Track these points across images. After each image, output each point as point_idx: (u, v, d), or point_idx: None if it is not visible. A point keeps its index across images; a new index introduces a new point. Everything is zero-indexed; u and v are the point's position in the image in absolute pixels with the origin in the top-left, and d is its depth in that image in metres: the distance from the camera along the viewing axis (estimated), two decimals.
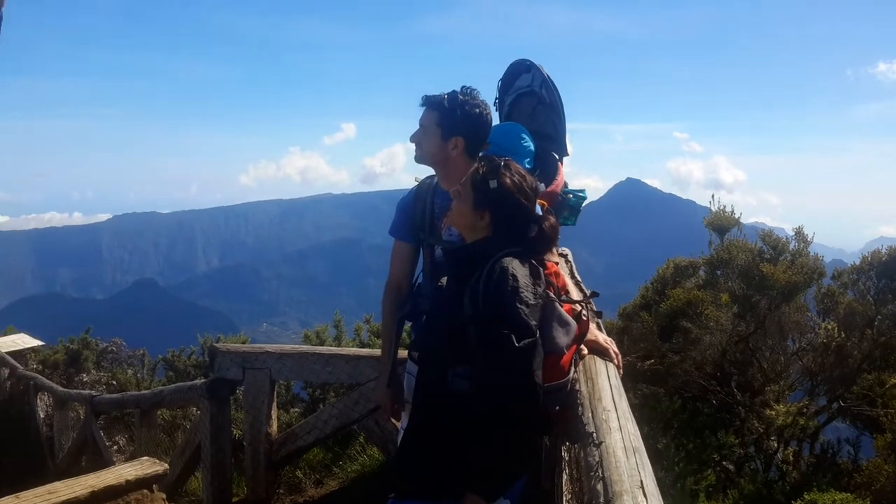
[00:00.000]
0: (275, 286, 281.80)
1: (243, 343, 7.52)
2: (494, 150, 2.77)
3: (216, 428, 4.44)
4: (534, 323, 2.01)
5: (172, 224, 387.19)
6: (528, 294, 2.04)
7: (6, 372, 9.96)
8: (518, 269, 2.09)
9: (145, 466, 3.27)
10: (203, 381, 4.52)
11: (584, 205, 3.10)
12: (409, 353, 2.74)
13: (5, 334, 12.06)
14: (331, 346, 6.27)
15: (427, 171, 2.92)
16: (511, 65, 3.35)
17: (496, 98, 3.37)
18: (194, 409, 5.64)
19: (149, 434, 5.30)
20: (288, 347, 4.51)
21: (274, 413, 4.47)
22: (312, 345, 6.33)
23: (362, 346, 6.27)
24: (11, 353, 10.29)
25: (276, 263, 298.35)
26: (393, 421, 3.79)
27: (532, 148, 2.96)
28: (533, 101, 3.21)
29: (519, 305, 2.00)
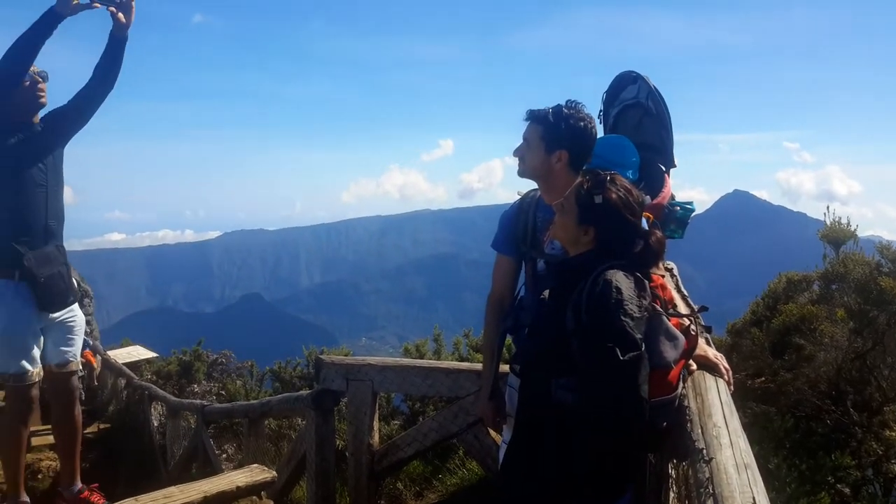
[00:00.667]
0: (374, 301, 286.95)
1: (346, 355, 7.70)
2: (599, 162, 2.74)
3: (321, 438, 4.54)
4: (639, 336, 1.97)
5: (278, 241, 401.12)
6: (632, 307, 2.00)
7: (123, 382, 10.51)
8: (622, 281, 2.05)
9: (255, 474, 3.38)
10: (308, 392, 4.64)
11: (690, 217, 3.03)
12: (510, 367, 2.73)
13: (121, 346, 12.76)
14: (430, 359, 6.32)
15: (529, 185, 2.91)
16: (616, 76, 3.31)
17: (601, 110, 3.34)
18: (299, 419, 5.80)
19: (256, 443, 5.47)
20: (389, 360, 4.57)
21: (376, 424, 4.53)
22: (412, 358, 6.40)
23: (461, 359, 6.29)
24: (128, 365, 10.85)
25: (376, 278, 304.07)
26: (493, 435, 3.78)
27: (637, 160, 2.91)
28: (639, 112, 3.17)
29: (623, 318, 1.96)
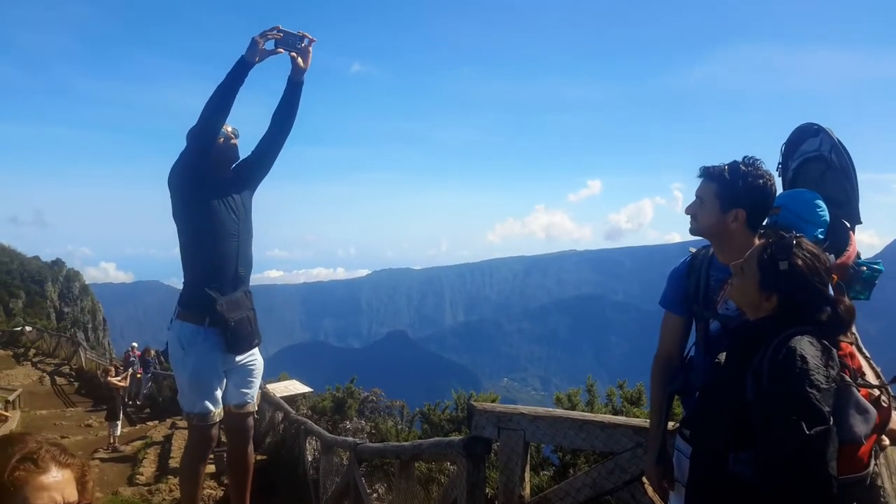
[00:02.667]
0: (516, 341, 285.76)
1: (493, 401, 7.68)
2: (788, 216, 2.62)
3: (472, 485, 4.52)
4: (826, 409, 1.83)
5: (423, 279, 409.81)
6: (819, 377, 1.86)
7: (280, 416, 10.94)
8: (808, 349, 1.92)
9: None
10: (460, 438, 4.65)
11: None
12: (679, 431, 2.62)
13: (279, 380, 13.34)
14: (583, 410, 6.20)
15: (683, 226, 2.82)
16: (796, 129, 3.16)
17: (779, 163, 3.19)
18: (449, 463, 5.83)
19: (406, 485, 5.52)
20: (542, 410, 4.51)
21: (527, 475, 4.47)
22: (564, 407, 6.29)
23: (615, 411, 6.13)
24: (284, 398, 11.30)
25: (518, 318, 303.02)
26: (652, 495, 3.63)
27: (827, 218, 2.76)
28: (821, 166, 2.99)
29: (809, 389, 1.83)
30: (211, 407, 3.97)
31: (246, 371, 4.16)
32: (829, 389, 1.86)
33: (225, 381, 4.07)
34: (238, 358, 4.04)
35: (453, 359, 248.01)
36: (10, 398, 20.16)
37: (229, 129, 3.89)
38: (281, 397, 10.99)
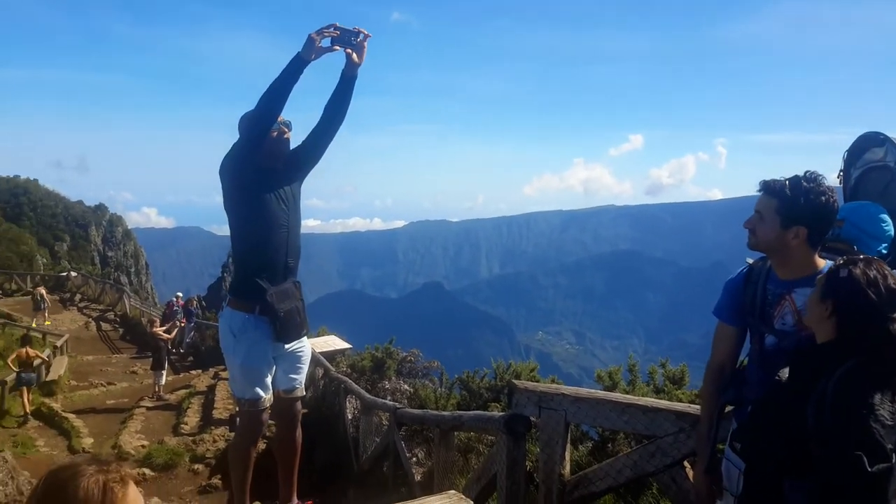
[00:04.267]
0: (551, 295, 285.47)
1: (532, 370, 7.73)
2: (849, 228, 2.56)
3: (512, 461, 4.57)
4: (889, 446, 1.80)
5: (460, 232, 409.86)
6: (884, 412, 1.82)
7: (320, 372, 11.11)
8: (874, 383, 1.88)
9: (453, 501, 3.45)
10: (501, 414, 4.70)
11: None
12: (730, 442, 2.61)
13: (318, 335, 13.47)
14: (624, 389, 6.20)
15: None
16: (861, 136, 3.06)
17: (840, 170, 3.10)
18: (489, 436, 5.91)
19: (446, 454, 5.62)
20: (583, 391, 4.52)
21: (568, 455, 4.51)
22: (605, 386, 6.30)
23: (657, 391, 6.11)
24: (324, 354, 11.42)
25: (554, 272, 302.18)
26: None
27: (891, 232, 2.70)
28: (886, 177, 2.90)
29: (874, 425, 1.80)
30: (261, 393, 4.06)
31: (294, 358, 4.25)
32: (893, 426, 1.83)
33: (274, 367, 4.16)
34: (287, 345, 4.12)
35: (488, 311, 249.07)
36: (58, 343, 20.77)
37: (282, 119, 3.90)
38: (320, 353, 11.09)
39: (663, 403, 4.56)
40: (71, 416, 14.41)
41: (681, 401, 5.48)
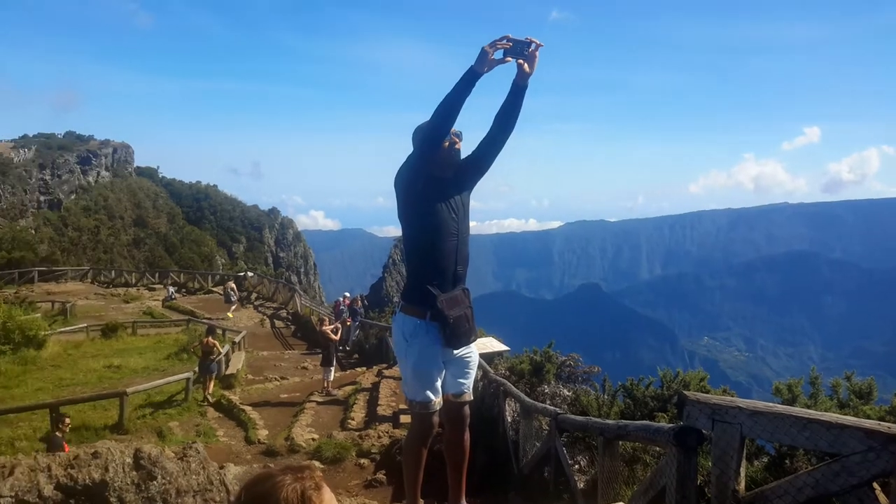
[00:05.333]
0: (718, 298, 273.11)
1: (701, 380, 7.39)
2: None
3: (682, 475, 4.40)
4: None
5: (619, 232, 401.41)
6: None
7: (479, 374, 11.22)
8: None
9: None
10: (670, 426, 4.52)
11: None
12: None
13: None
14: (805, 403, 5.79)
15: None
16: None
17: None
18: (656, 447, 5.70)
19: (611, 463, 5.48)
20: (761, 405, 4.26)
21: (743, 470, 4.27)
22: (784, 399, 5.92)
23: (841, 406, 5.67)
24: (482, 356, 11.52)
25: (721, 274, 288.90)
26: (884, 501, 3.33)
27: None
28: None
29: None
30: (432, 396, 4.17)
31: (463, 363, 4.34)
32: None
33: (444, 371, 4.25)
34: (456, 350, 4.20)
35: (648, 314, 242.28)
36: (237, 339, 22.33)
37: (453, 131, 3.99)
38: (479, 354, 11.20)
39: (849, 420, 4.21)
40: (248, 409, 15.46)
41: (868, 417, 5.05)
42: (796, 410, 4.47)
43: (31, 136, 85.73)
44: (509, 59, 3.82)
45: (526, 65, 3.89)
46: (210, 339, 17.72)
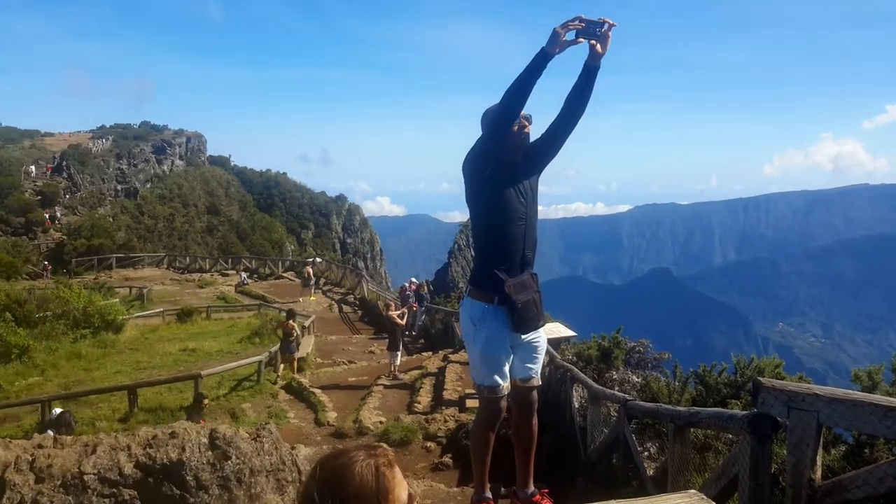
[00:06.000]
0: (794, 283, 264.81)
1: (776, 367, 7.17)
2: None
3: (755, 463, 4.29)
4: None
5: (690, 215, 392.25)
6: None
7: (546, 359, 11.16)
8: None
9: (694, 501, 3.31)
10: (744, 413, 4.41)
11: None
12: None
13: None
14: (887, 391, 5.56)
15: None
16: None
17: None
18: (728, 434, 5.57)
19: (681, 451, 5.38)
20: (839, 392, 4.11)
21: (819, 459, 4.13)
22: (864, 387, 5.69)
23: None
24: (548, 341, 11.45)
25: (797, 259, 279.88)
26: None
27: None
28: None
29: None
30: (500, 381, 4.16)
31: (531, 348, 4.32)
32: None
33: (512, 356, 4.23)
34: (524, 335, 4.18)
35: (721, 299, 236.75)
36: (306, 324, 22.78)
37: (523, 115, 3.95)
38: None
39: None
40: (317, 391, 15.75)
41: None
42: (877, 398, 4.30)
43: (108, 126, 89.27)
44: (581, 39, 3.75)
45: (598, 45, 3.82)
46: (290, 322, 18.71)
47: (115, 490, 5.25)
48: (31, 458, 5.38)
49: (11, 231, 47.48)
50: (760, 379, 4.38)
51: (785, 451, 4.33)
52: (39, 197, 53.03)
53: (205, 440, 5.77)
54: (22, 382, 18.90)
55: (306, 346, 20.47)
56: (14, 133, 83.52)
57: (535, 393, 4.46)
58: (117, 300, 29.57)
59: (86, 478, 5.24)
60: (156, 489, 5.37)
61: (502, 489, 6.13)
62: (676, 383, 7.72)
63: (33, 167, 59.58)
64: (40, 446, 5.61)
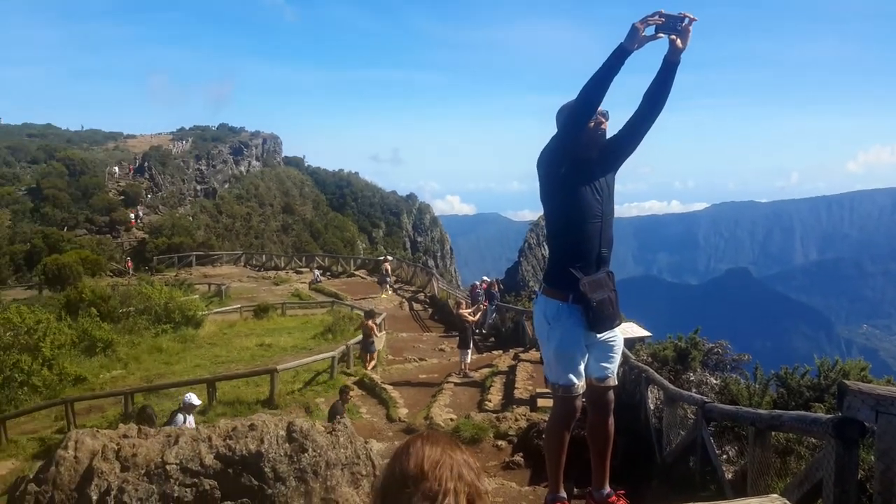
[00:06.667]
0: (880, 284, 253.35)
1: (862, 370, 6.89)
2: None
3: (840, 468, 4.13)
4: None
5: (770, 213, 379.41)
6: None
7: (620, 359, 11.01)
8: None
9: None
10: (829, 417, 4.24)
11: None
12: None
13: None
14: None
15: None
16: None
17: None
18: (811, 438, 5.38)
19: (762, 454, 5.23)
20: None
21: None
22: None
23: None
24: (623, 341, 11.26)
25: (884, 259, 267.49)
26: None
27: None
28: None
29: None
30: (575, 380, 4.09)
31: (607, 347, 4.23)
32: None
33: (587, 355, 4.16)
34: (599, 334, 4.11)
35: (802, 300, 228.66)
36: (377, 321, 23.03)
37: (599, 111, 3.89)
38: None
39: None
40: (388, 388, 15.93)
41: None
42: None
43: (187, 128, 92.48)
44: (661, 35, 3.68)
45: (679, 40, 3.73)
46: (369, 322, 19.12)
47: (196, 480, 5.42)
48: (116, 448, 5.61)
49: (96, 230, 49.79)
50: (846, 382, 4.22)
51: (872, 458, 4.16)
52: (122, 197, 55.38)
53: (282, 433, 5.89)
54: (106, 375, 19.78)
55: (378, 344, 20.73)
56: (98, 135, 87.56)
57: (611, 393, 4.36)
58: (197, 296, 30.50)
59: (168, 467, 5.43)
60: (235, 480, 5.51)
61: (575, 490, 6.07)
62: (757, 386, 7.49)
63: (116, 168, 62.27)
64: (125, 436, 5.84)
